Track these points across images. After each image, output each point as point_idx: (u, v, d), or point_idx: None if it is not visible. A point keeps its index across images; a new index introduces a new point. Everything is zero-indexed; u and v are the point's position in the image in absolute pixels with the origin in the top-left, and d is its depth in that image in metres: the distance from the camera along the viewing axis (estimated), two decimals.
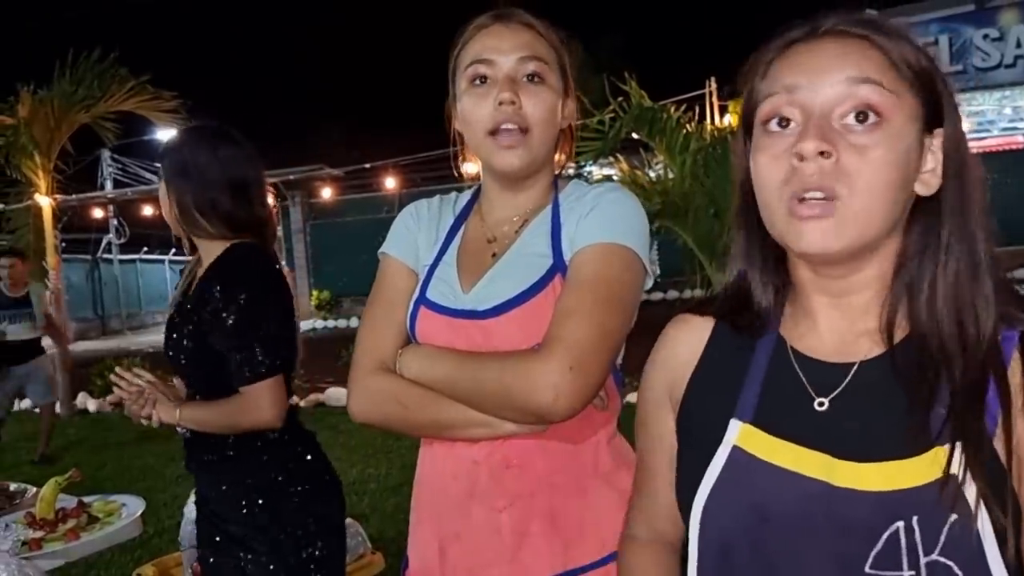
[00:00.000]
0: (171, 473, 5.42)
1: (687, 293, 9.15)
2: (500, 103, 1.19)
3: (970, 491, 0.69)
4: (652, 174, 5.70)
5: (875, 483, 0.73)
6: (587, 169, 6.16)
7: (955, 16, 11.27)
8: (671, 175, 5.29)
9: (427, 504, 1.30)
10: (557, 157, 1.35)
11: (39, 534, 1.97)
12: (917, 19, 10.87)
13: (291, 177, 14.31)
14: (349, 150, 20.58)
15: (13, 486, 2.37)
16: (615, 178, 5.62)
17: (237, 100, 32.96)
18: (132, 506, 2.15)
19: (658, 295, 14.08)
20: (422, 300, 1.28)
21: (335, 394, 7.57)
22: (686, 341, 0.95)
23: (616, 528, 1.21)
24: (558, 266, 1.21)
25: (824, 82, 0.76)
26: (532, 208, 1.30)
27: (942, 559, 0.70)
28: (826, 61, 0.77)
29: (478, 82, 1.23)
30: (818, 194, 0.75)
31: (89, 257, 21.23)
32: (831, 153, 0.74)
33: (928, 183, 0.79)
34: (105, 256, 21.64)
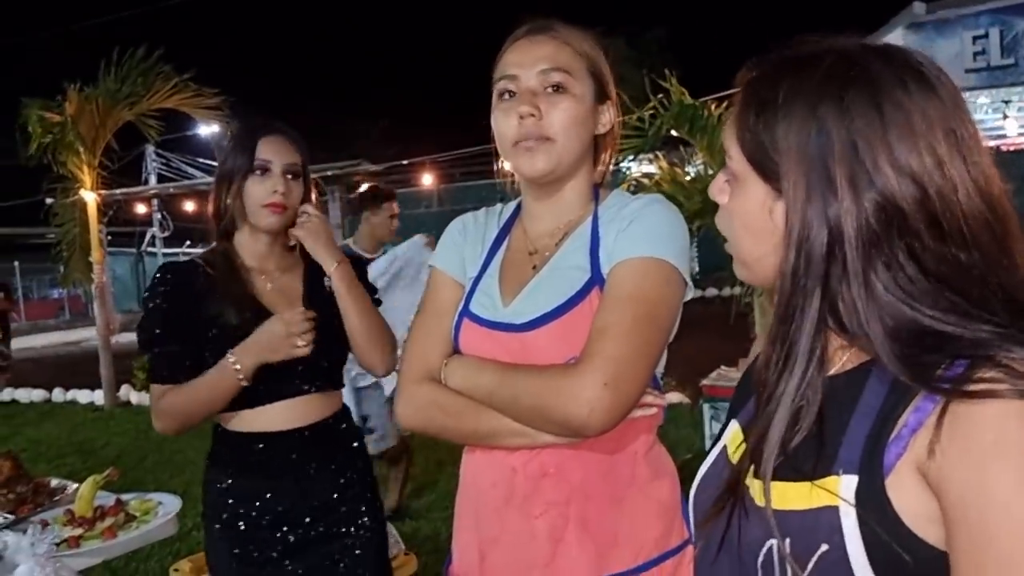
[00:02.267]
0: None
1: (726, 291, 9.06)
2: (520, 117, 1.24)
3: (850, 525, 0.70)
4: (692, 172, 5.62)
5: (761, 499, 0.76)
6: (626, 166, 6.10)
7: (1006, 8, 10.95)
8: (711, 173, 5.21)
9: (468, 509, 1.35)
10: (599, 164, 1.35)
11: (77, 532, 2.00)
12: (967, 11, 10.59)
13: (329, 173, 14.42)
14: (388, 146, 20.73)
15: (54, 482, 2.40)
16: (655, 176, 5.55)
17: (277, 96, 33.36)
18: (168, 505, 2.16)
19: (697, 292, 13.91)
20: (465, 312, 1.31)
21: None
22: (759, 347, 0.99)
23: (651, 537, 1.24)
24: (596, 279, 1.22)
25: None
26: (572, 219, 1.32)
27: None
28: None
29: (506, 96, 1.27)
30: None
31: (134, 251, 21.69)
32: None
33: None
34: (149, 250, 22.06)
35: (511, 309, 1.27)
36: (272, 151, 1.83)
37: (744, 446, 0.82)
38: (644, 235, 1.21)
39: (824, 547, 0.71)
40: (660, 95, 5.12)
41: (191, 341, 1.80)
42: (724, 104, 5.15)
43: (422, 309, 1.39)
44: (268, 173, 1.82)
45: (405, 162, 15.54)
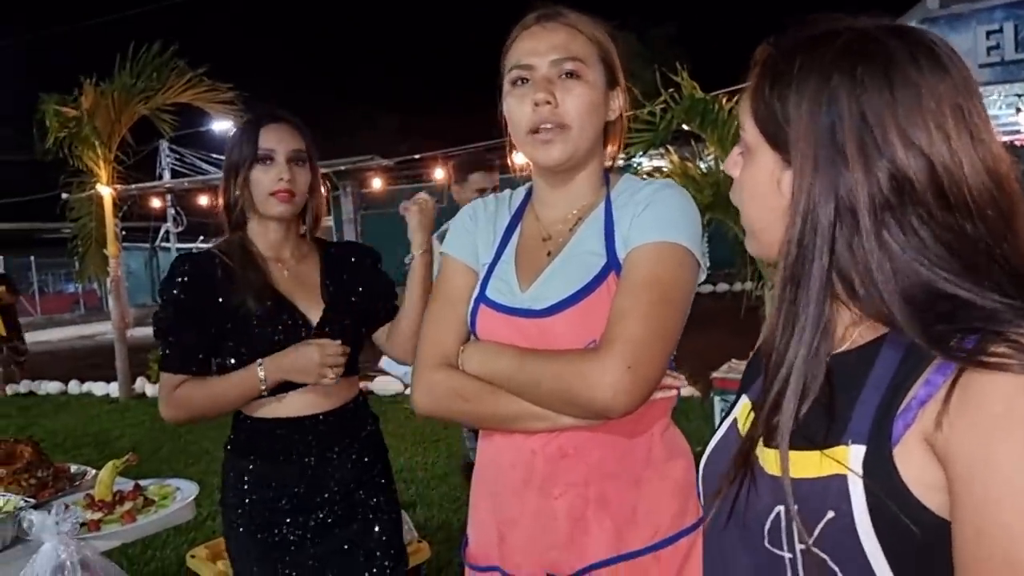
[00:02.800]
0: None
1: (737, 286, 9.05)
2: (536, 104, 1.25)
3: (857, 493, 0.72)
4: (703, 166, 5.62)
5: (772, 467, 0.79)
6: (637, 161, 6.11)
7: (1021, 2, 10.86)
8: (723, 167, 5.21)
9: (485, 491, 1.37)
10: (608, 149, 1.37)
11: (97, 515, 2.03)
12: (981, 6, 10.51)
13: (342, 168, 14.46)
14: (399, 141, 20.74)
15: (74, 468, 2.43)
16: (665, 169, 5.56)
17: (290, 92, 33.42)
18: (186, 490, 2.19)
19: (708, 287, 13.95)
20: (482, 299, 1.33)
21: (383, 383, 7.65)
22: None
23: (668, 515, 1.28)
24: (612, 264, 1.25)
25: None
26: (584, 205, 1.34)
27: (815, 550, 0.73)
28: None
29: (519, 83, 1.28)
30: None
31: (148, 245, 21.80)
32: None
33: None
34: (163, 244, 22.18)
35: (529, 295, 1.29)
36: (275, 139, 1.84)
37: (752, 417, 0.84)
38: (658, 220, 1.24)
39: (831, 514, 0.72)
40: (671, 89, 5.13)
41: (207, 332, 1.83)
42: (735, 98, 5.15)
43: (435, 296, 1.41)
44: (272, 162, 1.84)
45: (417, 157, 15.53)
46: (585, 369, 1.14)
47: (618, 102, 1.33)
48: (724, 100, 5.12)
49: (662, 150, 5.69)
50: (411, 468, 5.19)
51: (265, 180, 1.84)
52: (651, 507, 1.27)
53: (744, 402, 0.92)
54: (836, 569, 0.72)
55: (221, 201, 1.92)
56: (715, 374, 5.05)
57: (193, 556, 3.06)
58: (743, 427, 0.89)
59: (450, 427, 6.23)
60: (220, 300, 1.82)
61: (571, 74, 1.26)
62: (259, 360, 1.77)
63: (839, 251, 0.75)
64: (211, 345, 1.84)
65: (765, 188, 0.83)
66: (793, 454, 0.76)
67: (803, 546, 0.74)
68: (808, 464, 0.75)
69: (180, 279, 1.84)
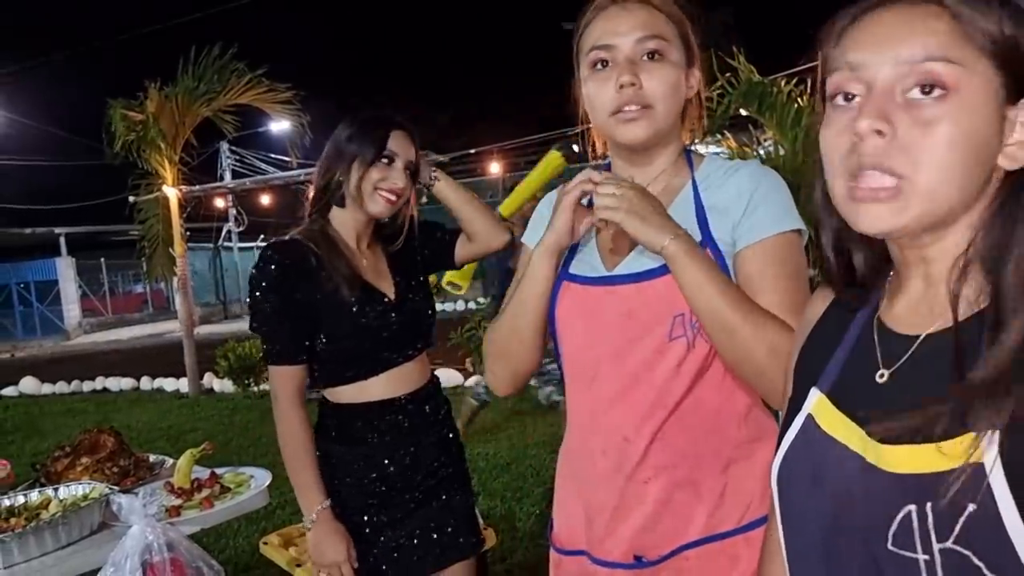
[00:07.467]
0: None
1: None
2: (621, 86, 1.22)
3: (999, 482, 0.66)
4: (762, 151, 5.54)
5: (892, 464, 0.73)
6: (693, 147, 6.05)
7: None
8: (782, 151, 5.13)
9: (573, 476, 1.38)
10: (688, 128, 1.36)
11: (177, 502, 2.12)
12: None
13: None
14: (454, 136, 20.85)
15: (152, 457, 2.53)
16: (723, 156, 5.49)
17: (347, 89, 33.88)
18: (260, 478, 2.26)
19: None
20: (565, 276, 1.32)
21: (444, 375, 7.73)
22: (812, 311, 0.96)
23: (756, 496, 1.26)
24: (706, 242, 1.23)
25: (884, 59, 0.74)
26: (668, 185, 1.31)
27: (957, 548, 0.68)
28: (888, 36, 0.74)
29: (599, 66, 1.25)
30: (876, 173, 0.73)
31: (211, 245, 22.33)
32: (885, 132, 0.72)
33: (1015, 156, 0.74)
34: (226, 244, 22.72)
35: (624, 266, 1.27)
36: (399, 145, 1.94)
37: (835, 411, 0.80)
38: (777, 208, 1.25)
39: (971, 507, 0.67)
40: (727, 74, 5.06)
41: (303, 319, 1.87)
42: (794, 81, 5.07)
43: (514, 284, 1.40)
44: (392, 165, 1.93)
45: (472, 151, 15.61)
46: (781, 350, 1.08)
47: (695, 79, 1.31)
48: (782, 82, 5.04)
49: (719, 135, 5.62)
50: (472, 459, 5.23)
51: (381, 179, 1.92)
52: (739, 489, 1.26)
53: (816, 396, 0.84)
54: (981, 565, 0.67)
55: (320, 182, 1.96)
56: None
57: (266, 543, 3.14)
58: (824, 424, 0.82)
59: (511, 418, 6.27)
60: (312, 288, 1.87)
61: (653, 54, 1.23)
62: (326, 504, 1.88)
63: None
64: (308, 334, 1.89)
65: (984, 127, 0.72)
66: (913, 449, 0.71)
67: (943, 545, 0.69)
68: (932, 457, 0.70)
69: (272, 268, 1.86)
